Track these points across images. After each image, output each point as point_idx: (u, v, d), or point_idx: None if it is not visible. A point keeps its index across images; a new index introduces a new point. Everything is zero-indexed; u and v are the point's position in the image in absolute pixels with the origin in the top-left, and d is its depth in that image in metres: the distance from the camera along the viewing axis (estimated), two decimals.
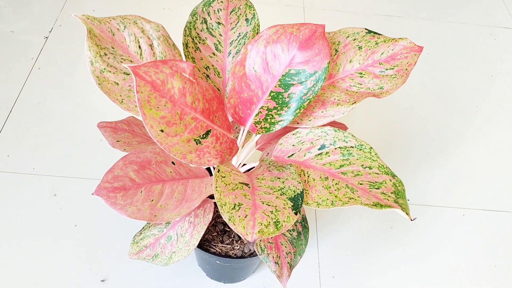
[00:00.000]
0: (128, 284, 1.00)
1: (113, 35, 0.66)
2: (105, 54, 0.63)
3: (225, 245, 0.87)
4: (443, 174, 1.28)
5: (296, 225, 0.76)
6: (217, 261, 0.88)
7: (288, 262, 0.73)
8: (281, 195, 0.62)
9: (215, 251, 0.87)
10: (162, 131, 0.57)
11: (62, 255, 1.02)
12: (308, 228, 0.76)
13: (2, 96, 1.29)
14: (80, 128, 1.25)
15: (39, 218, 1.07)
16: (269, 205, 0.59)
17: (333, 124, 0.91)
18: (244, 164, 0.95)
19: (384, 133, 1.36)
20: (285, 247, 0.74)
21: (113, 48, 0.64)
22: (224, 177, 0.63)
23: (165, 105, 0.57)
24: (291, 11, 1.68)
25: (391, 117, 1.40)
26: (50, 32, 1.47)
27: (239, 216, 0.57)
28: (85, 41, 0.61)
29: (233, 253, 0.87)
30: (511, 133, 1.40)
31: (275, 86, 0.68)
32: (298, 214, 0.59)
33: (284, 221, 0.58)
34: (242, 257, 0.87)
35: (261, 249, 0.71)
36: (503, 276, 1.10)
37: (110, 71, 0.63)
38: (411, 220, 0.58)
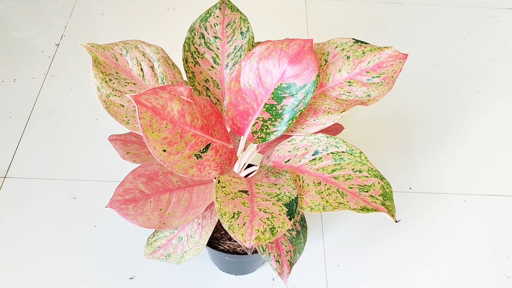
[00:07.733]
0: (148, 278, 1.07)
1: (117, 60, 0.71)
2: (110, 80, 0.69)
3: (232, 242, 0.94)
4: (444, 161, 1.32)
5: (295, 225, 0.82)
6: (226, 257, 0.94)
7: (288, 260, 0.79)
8: (277, 201, 0.67)
9: (223, 248, 0.93)
10: (164, 150, 0.63)
11: (84, 254, 1.10)
12: (307, 227, 0.82)
13: (21, 104, 1.36)
14: (95, 132, 1.32)
15: (60, 221, 1.15)
16: (266, 212, 0.65)
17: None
18: (250, 165, 1.01)
19: (385, 122, 1.39)
20: (285, 246, 0.80)
21: (117, 73, 0.70)
22: (224, 187, 0.68)
23: (166, 127, 0.63)
24: (292, 3, 1.70)
25: (392, 105, 1.43)
26: (60, 39, 1.54)
27: (238, 224, 0.63)
28: (91, 69, 0.67)
29: (240, 249, 0.93)
30: None
31: (269, 99, 0.73)
32: (293, 219, 0.65)
33: (279, 227, 0.63)
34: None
35: (263, 249, 0.77)
36: (503, 258, 1.14)
37: (115, 95, 0.68)
38: (396, 222, 0.63)
